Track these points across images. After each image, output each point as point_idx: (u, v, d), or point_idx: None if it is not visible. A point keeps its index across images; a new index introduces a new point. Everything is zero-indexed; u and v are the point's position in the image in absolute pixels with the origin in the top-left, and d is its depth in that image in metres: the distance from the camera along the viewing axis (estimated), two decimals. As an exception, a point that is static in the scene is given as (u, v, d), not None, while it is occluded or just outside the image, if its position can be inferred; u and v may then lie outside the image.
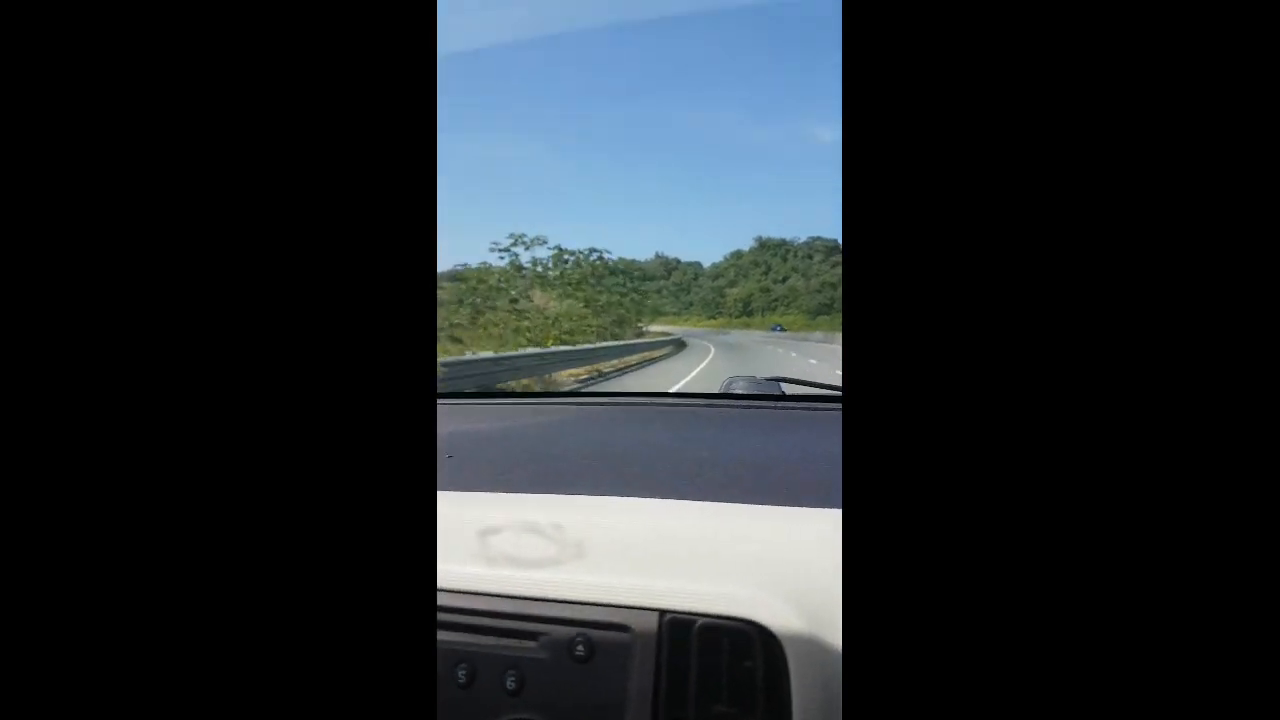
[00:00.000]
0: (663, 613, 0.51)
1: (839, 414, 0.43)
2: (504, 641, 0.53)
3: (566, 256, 16.84)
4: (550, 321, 14.53)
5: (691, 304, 76.44)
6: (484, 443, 0.91)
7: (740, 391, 1.17)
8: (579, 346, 11.34)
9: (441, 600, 0.53)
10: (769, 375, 1.20)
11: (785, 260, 72.40)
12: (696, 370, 10.95)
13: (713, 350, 17.53)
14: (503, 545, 0.58)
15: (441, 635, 0.53)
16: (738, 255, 78.72)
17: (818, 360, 12.44)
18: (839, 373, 0.80)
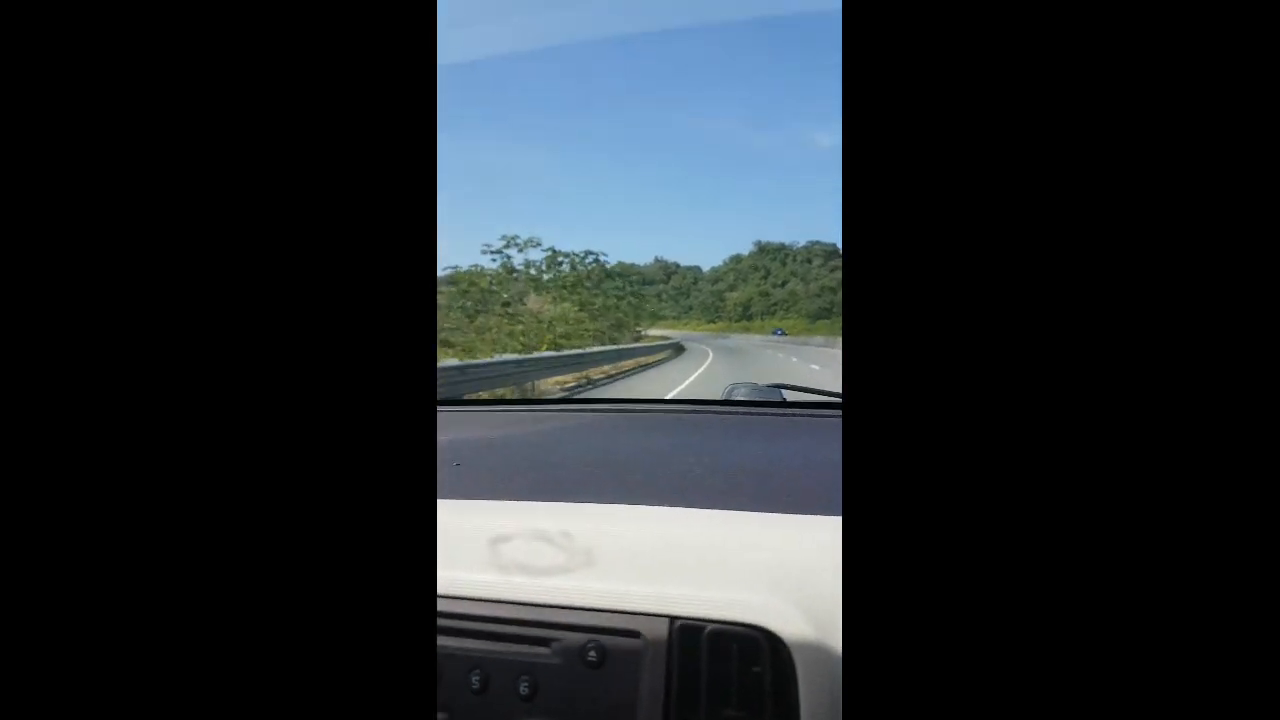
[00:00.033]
0: (673, 619, 0.51)
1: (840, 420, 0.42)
2: (517, 648, 0.54)
3: (561, 259, 16.44)
4: (545, 325, 14.20)
5: (691, 308, 76.54)
6: (483, 450, 0.90)
7: (741, 398, 1.16)
8: (564, 352, 10.71)
9: (455, 607, 0.55)
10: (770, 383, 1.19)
11: (784, 264, 72.40)
12: (692, 378, 10.57)
13: (710, 355, 17.20)
14: (514, 553, 0.58)
15: (455, 641, 0.54)
16: (737, 259, 78.81)
17: (820, 366, 11.99)
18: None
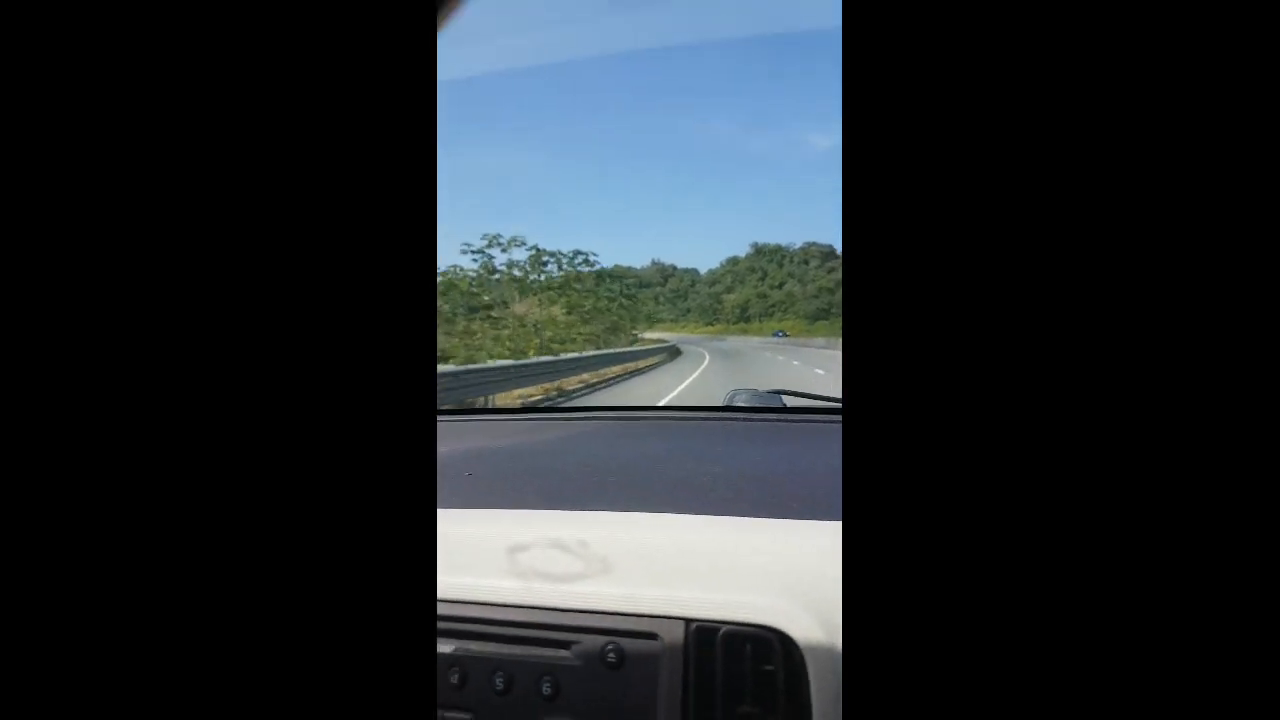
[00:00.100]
0: (688, 621, 0.54)
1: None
2: (538, 650, 0.57)
3: (546, 258, 15.51)
4: (532, 329, 13.34)
5: (689, 310, 75.85)
6: (490, 459, 0.92)
7: (742, 404, 1.20)
8: (539, 359, 9.71)
9: (478, 613, 0.58)
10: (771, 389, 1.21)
11: (781, 266, 71.72)
12: (682, 386, 9.66)
13: (707, 358, 16.31)
14: (532, 561, 0.60)
15: (479, 645, 0.58)
16: (734, 261, 78.11)
17: (824, 370, 11.07)
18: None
